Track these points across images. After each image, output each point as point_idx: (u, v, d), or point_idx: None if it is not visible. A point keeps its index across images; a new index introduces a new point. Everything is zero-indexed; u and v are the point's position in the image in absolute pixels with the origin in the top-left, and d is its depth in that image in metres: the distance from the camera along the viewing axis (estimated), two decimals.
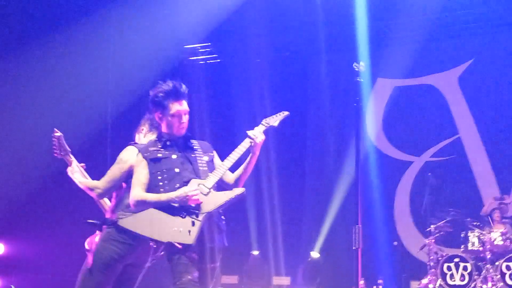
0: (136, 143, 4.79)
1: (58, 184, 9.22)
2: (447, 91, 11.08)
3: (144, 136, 4.94)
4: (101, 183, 4.63)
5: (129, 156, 4.62)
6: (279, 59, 11.87)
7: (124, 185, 4.66)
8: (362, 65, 4.29)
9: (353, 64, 4.29)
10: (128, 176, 4.57)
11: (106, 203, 4.85)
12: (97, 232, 4.67)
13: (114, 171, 4.62)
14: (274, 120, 4.70)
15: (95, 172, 4.95)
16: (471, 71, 10.93)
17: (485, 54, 10.90)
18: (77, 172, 4.84)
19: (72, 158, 4.92)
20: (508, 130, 10.57)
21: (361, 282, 4.37)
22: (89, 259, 4.52)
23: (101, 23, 10.27)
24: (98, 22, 10.21)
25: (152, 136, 4.85)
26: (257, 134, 4.43)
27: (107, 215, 4.68)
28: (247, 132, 4.43)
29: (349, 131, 11.21)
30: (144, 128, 4.96)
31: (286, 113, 4.78)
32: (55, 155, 4.92)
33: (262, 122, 4.65)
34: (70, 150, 4.92)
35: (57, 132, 4.89)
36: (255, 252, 10.80)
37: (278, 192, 11.01)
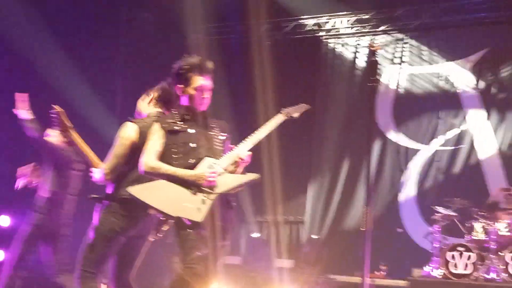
0: (134, 119, 4.72)
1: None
2: (459, 80, 11.02)
3: (149, 102, 4.84)
4: (106, 165, 4.60)
5: (128, 133, 4.58)
6: (288, 39, 11.80)
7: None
8: (378, 44, 4.23)
9: (369, 43, 4.23)
10: (131, 153, 4.53)
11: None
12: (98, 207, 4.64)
13: (116, 150, 4.58)
14: (294, 111, 4.66)
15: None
16: (485, 61, 10.86)
17: (499, 44, 10.82)
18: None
19: (75, 134, 4.87)
20: None
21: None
22: (91, 232, 4.51)
23: None
24: None
25: (154, 110, 4.77)
26: (248, 157, 4.30)
27: (108, 190, 4.64)
28: (238, 152, 4.27)
29: (359, 115, 11.19)
30: (153, 95, 4.86)
31: (307, 106, 4.77)
32: (58, 131, 4.88)
33: (281, 112, 4.61)
34: (72, 125, 4.86)
35: (57, 108, 4.85)
36: (255, 235, 10.79)
37: (283, 173, 10.97)
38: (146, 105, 4.85)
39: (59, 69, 10.25)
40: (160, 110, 4.79)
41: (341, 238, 10.96)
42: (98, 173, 4.64)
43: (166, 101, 4.82)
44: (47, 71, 10.20)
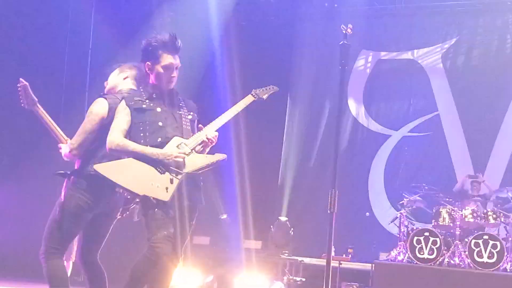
0: (105, 95, 4.65)
1: (30, 132, 9.13)
2: (429, 67, 11.12)
3: (125, 78, 4.78)
4: (74, 140, 4.52)
5: (99, 109, 4.51)
6: (264, 23, 11.75)
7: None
8: (350, 28, 4.23)
9: (341, 26, 4.23)
10: (100, 129, 4.48)
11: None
12: (65, 182, 4.58)
13: (85, 125, 4.51)
14: (264, 93, 4.67)
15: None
16: (455, 49, 10.97)
17: (469, 33, 10.93)
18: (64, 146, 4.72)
19: (40, 109, 4.79)
20: (486, 111, 10.67)
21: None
22: (57, 208, 4.46)
23: None
24: None
25: (125, 86, 4.71)
26: (215, 138, 4.29)
27: (76, 166, 4.59)
28: (206, 132, 4.26)
29: (330, 97, 11.24)
30: (129, 72, 4.79)
31: (276, 88, 4.76)
32: (22, 105, 4.80)
33: (251, 93, 4.61)
34: (36, 99, 4.78)
35: (22, 82, 4.76)
36: (223, 216, 10.78)
37: (252, 155, 10.98)
38: (122, 80, 4.77)
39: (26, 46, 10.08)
40: (131, 87, 4.74)
41: (310, 220, 11.02)
42: (65, 148, 4.59)
43: (140, 79, 4.77)
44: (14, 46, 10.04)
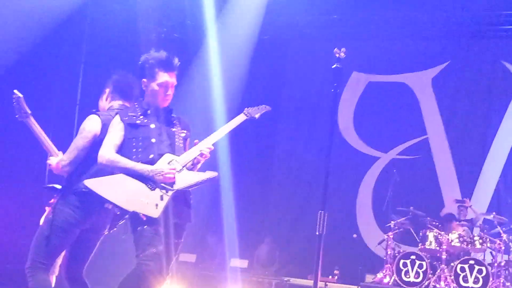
0: (98, 111, 4.67)
1: (21, 144, 9.08)
2: (419, 91, 11.20)
3: (106, 99, 4.81)
4: (65, 156, 4.52)
5: (92, 126, 4.52)
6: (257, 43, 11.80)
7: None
8: (343, 51, 4.27)
9: (334, 50, 4.26)
10: (92, 145, 4.48)
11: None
12: (54, 197, 4.57)
13: (78, 142, 4.51)
14: (256, 112, 4.70)
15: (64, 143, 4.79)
16: (445, 73, 11.07)
17: (460, 58, 11.04)
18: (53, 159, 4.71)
19: (33, 121, 4.79)
20: (475, 136, 10.75)
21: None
22: (45, 223, 4.43)
23: None
24: None
25: (114, 102, 4.74)
26: (208, 151, 4.31)
27: (67, 183, 4.58)
28: (200, 148, 4.30)
29: (321, 118, 11.28)
30: (107, 90, 4.82)
31: (268, 108, 4.80)
32: (16, 117, 4.79)
33: (244, 112, 4.63)
34: (30, 112, 4.78)
35: (17, 94, 4.76)
36: (211, 236, 10.74)
37: (239, 174, 10.98)
38: (104, 102, 4.81)
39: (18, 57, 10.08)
40: (120, 102, 4.75)
41: (296, 241, 11.02)
42: (54, 160, 4.58)
43: (121, 92, 4.78)
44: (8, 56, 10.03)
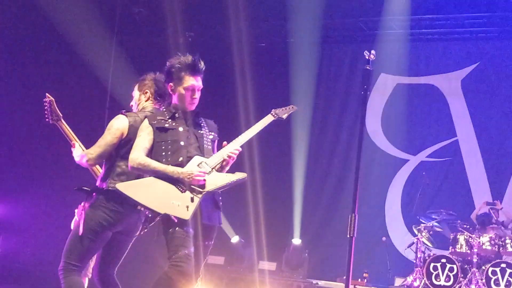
0: (127, 112, 4.71)
1: (51, 147, 9.20)
2: (449, 93, 11.09)
3: (147, 100, 4.84)
4: (92, 149, 4.57)
5: (120, 125, 4.57)
6: (284, 45, 11.81)
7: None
8: (373, 54, 4.25)
9: (364, 52, 4.24)
10: (119, 144, 4.53)
11: (99, 170, 4.79)
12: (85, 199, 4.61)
13: (106, 138, 4.56)
14: (284, 112, 4.72)
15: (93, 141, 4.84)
16: (475, 75, 10.94)
17: (490, 59, 10.91)
18: (76, 151, 4.76)
19: (64, 124, 4.85)
20: (505, 137, 10.61)
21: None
22: (78, 225, 4.47)
23: None
24: None
25: (149, 105, 4.78)
26: (235, 153, 4.33)
27: (98, 183, 4.63)
28: (227, 150, 4.32)
29: (348, 121, 11.24)
30: (149, 92, 4.84)
31: (295, 108, 4.82)
32: (47, 120, 4.85)
33: (271, 112, 4.66)
34: (61, 115, 4.84)
35: (48, 97, 4.82)
36: (234, 239, 10.73)
37: (267, 176, 10.99)
38: (144, 101, 4.84)
39: (52, 60, 10.24)
40: (155, 107, 4.79)
41: (325, 244, 10.98)
42: (77, 151, 4.65)
43: (161, 95, 4.82)
44: (41, 63, 10.19)
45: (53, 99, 4.82)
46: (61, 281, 4.45)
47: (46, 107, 4.81)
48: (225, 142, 4.40)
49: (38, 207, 10.01)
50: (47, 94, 4.83)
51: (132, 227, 4.60)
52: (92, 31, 10.48)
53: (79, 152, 4.69)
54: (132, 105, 4.95)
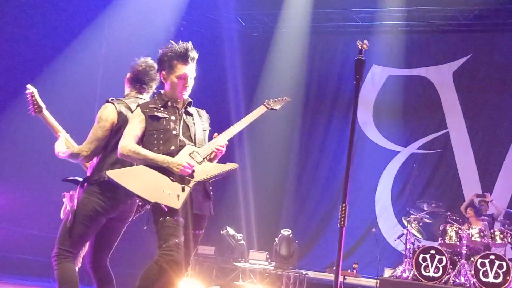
0: (113, 99, 4.68)
1: (39, 137, 9.15)
2: (440, 85, 11.11)
3: (128, 87, 4.83)
4: (85, 146, 4.53)
5: (109, 115, 4.54)
6: (276, 35, 11.79)
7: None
8: (366, 43, 4.23)
9: (357, 41, 4.22)
10: (111, 134, 4.51)
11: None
12: (77, 188, 4.59)
13: (97, 132, 4.52)
14: (277, 104, 4.72)
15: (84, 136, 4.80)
16: (466, 67, 10.96)
17: (482, 52, 10.93)
18: (59, 143, 4.73)
19: (47, 115, 4.81)
20: (496, 130, 10.64)
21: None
22: (70, 212, 4.45)
23: None
24: None
25: (128, 90, 4.79)
26: (223, 147, 4.31)
27: (89, 173, 4.60)
28: (214, 144, 4.31)
29: (339, 111, 11.24)
30: (126, 78, 4.84)
31: (289, 99, 4.80)
32: (29, 112, 4.81)
33: (264, 104, 4.64)
34: (44, 106, 4.80)
35: (29, 88, 4.78)
36: (225, 231, 10.72)
37: (257, 167, 10.98)
38: (127, 87, 4.85)
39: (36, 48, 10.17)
40: (134, 91, 4.78)
41: (314, 234, 11.00)
42: (60, 144, 4.63)
43: (136, 80, 4.80)
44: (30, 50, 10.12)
45: (35, 90, 4.77)
46: (54, 267, 4.43)
47: (28, 99, 4.77)
48: (216, 134, 4.38)
49: (27, 196, 9.96)
50: (27, 86, 4.79)
51: (125, 214, 4.59)
52: (83, 19, 10.43)
53: (64, 147, 4.65)
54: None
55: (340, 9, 11.19)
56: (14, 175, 9.98)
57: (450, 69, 11.09)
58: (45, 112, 4.80)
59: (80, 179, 4.59)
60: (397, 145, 11.22)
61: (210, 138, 4.43)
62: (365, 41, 4.29)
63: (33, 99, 4.75)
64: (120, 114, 4.52)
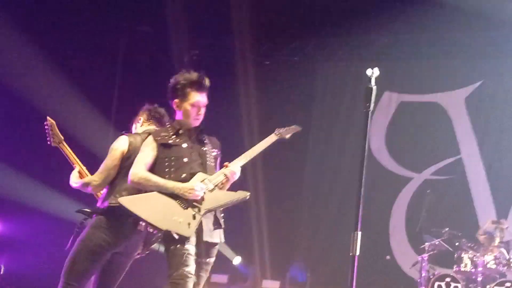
0: (127, 132, 4.74)
1: (54, 164, 9.20)
2: (453, 111, 11.06)
3: (141, 125, 4.91)
4: (96, 176, 4.60)
5: (120, 144, 4.61)
6: (287, 62, 11.83)
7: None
8: (376, 71, 4.24)
9: (367, 70, 4.24)
10: (121, 164, 4.54)
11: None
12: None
13: (107, 162, 4.60)
14: (287, 132, 4.76)
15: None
16: (479, 93, 10.91)
17: (494, 77, 10.88)
18: (73, 174, 4.80)
19: (66, 146, 4.88)
20: (510, 156, 10.55)
21: None
22: (77, 244, 4.47)
23: None
24: None
25: (149, 127, 4.83)
26: (236, 173, 4.32)
27: (98, 203, 4.63)
28: (226, 170, 4.30)
29: (352, 139, 11.21)
30: (142, 117, 4.93)
31: (299, 128, 4.83)
32: (49, 143, 4.88)
33: (275, 132, 4.68)
34: (63, 137, 4.87)
35: (49, 120, 4.84)
36: (236, 260, 10.65)
37: (270, 194, 10.94)
38: (140, 128, 4.89)
39: (55, 82, 10.26)
40: (154, 127, 4.84)
41: (328, 262, 10.90)
42: (74, 176, 4.67)
43: (157, 118, 4.87)
44: (43, 85, 10.20)
45: (53, 122, 4.86)
46: None
47: (47, 131, 4.84)
48: (226, 163, 4.39)
49: (39, 225, 9.98)
50: (47, 117, 4.86)
51: (131, 249, 4.59)
52: (97, 52, 10.55)
53: (77, 178, 4.71)
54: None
55: (352, 35, 11.23)
56: (29, 203, 10.03)
57: (463, 94, 11.04)
58: (64, 144, 4.88)
59: (89, 210, 4.62)
60: (410, 171, 11.15)
61: (221, 166, 4.45)
62: (375, 69, 4.30)
63: (52, 130, 4.83)
64: (131, 143, 4.57)
